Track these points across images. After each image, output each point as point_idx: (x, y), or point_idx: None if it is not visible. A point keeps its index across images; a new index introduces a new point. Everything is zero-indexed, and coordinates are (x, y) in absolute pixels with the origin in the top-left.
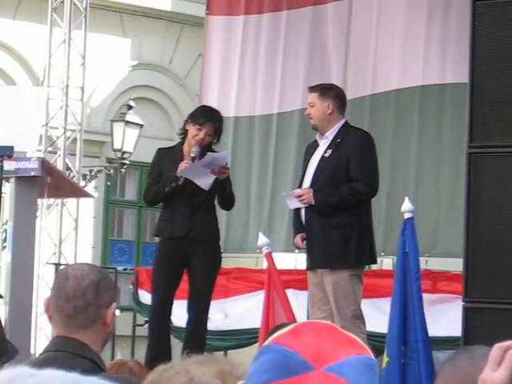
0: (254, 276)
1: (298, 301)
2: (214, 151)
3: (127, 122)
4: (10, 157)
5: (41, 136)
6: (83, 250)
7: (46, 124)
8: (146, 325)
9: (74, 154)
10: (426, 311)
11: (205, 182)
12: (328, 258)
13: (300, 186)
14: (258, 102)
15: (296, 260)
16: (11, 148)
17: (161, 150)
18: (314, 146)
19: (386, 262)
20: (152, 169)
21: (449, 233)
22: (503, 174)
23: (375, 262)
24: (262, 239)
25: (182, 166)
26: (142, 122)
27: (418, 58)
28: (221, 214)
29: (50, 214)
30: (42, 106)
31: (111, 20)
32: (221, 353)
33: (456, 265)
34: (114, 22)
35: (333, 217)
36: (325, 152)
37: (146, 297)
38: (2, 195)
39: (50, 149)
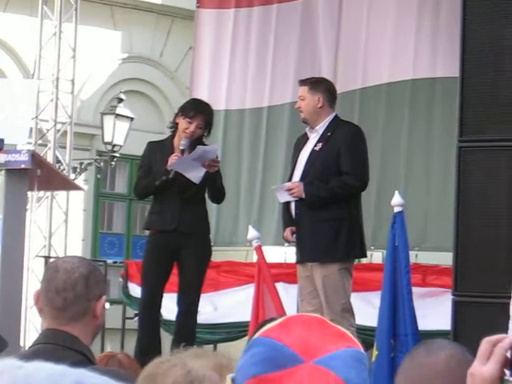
0: (244, 269)
1: (288, 294)
2: (204, 144)
3: (117, 115)
4: None
5: (31, 129)
6: (73, 242)
7: (36, 117)
8: (136, 318)
9: (64, 147)
10: (415, 305)
11: (195, 175)
12: (318, 252)
13: (290, 180)
14: (248, 95)
15: (286, 253)
16: (1, 141)
17: (151, 144)
18: (303, 139)
19: (376, 256)
20: (142, 162)
21: (438, 227)
22: (493, 168)
23: (365, 256)
24: (252, 232)
25: (172, 159)
26: (132, 115)
27: (408, 51)
28: (211, 207)
29: (40, 207)
30: (32, 98)
31: (102, 13)
32: (210, 346)
33: (446, 259)
34: (104, 14)
35: (323, 210)
36: (315, 145)
37: (135, 290)
38: None
39: (40, 141)
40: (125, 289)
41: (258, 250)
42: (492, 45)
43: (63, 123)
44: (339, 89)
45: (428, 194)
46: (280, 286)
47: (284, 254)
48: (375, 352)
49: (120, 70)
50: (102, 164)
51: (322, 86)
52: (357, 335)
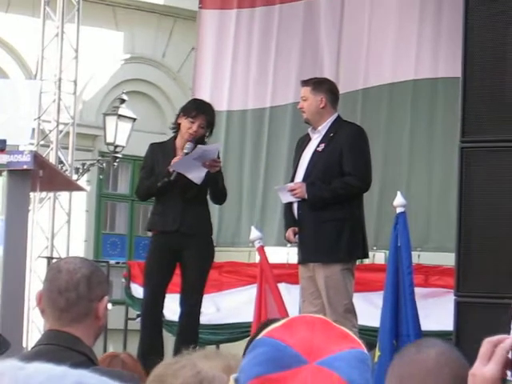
0: (247, 270)
1: (290, 295)
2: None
3: (120, 116)
4: (2, 150)
5: (33, 129)
6: (75, 243)
7: (39, 117)
8: (138, 319)
9: (67, 148)
10: (418, 305)
11: (197, 175)
12: (320, 252)
13: (292, 180)
14: (250, 96)
15: (288, 254)
16: (4, 141)
17: (153, 145)
18: (305, 139)
19: (378, 257)
20: (145, 163)
21: (441, 227)
22: (495, 168)
23: (367, 257)
24: (255, 233)
25: (174, 161)
26: (134, 116)
27: (410, 52)
28: (213, 207)
29: (42, 208)
30: (35, 99)
31: (104, 13)
32: (213, 347)
33: (448, 259)
34: (106, 15)
35: (325, 211)
36: (317, 146)
37: (138, 290)
38: None
39: (42, 142)
40: (127, 289)
41: (261, 250)
42: (494, 47)
43: (65, 124)
44: (341, 89)
45: (430, 195)
46: (282, 287)
47: (286, 254)
48: (378, 353)
49: (122, 70)
50: (104, 165)
51: (325, 87)
52: (359, 336)
